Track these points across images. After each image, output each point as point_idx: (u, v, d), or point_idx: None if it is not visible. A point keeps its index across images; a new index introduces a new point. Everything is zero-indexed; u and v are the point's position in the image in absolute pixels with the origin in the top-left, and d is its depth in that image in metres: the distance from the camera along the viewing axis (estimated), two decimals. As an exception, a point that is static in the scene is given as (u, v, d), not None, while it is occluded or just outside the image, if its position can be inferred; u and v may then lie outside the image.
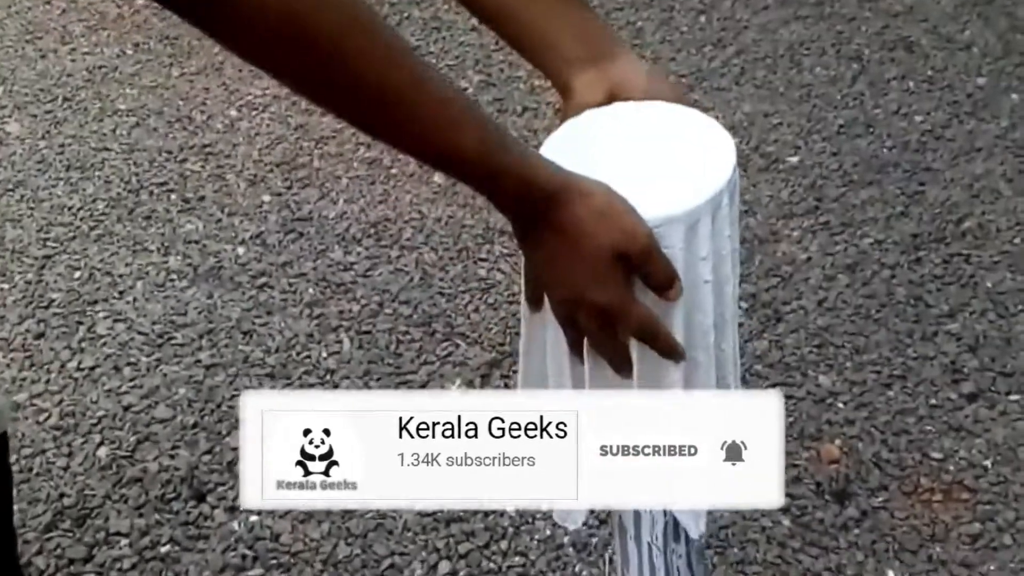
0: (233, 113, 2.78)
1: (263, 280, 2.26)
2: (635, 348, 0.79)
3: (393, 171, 2.54)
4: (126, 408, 1.97)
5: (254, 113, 2.77)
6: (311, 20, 0.64)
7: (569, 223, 0.75)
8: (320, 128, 2.69)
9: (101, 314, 2.20)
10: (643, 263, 0.76)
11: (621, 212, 0.76)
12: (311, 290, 2.22)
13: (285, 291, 2.22)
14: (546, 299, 0.82)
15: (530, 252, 0.80)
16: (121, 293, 2.25)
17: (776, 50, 2.86)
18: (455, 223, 2.38)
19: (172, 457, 1.86)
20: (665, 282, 0.78)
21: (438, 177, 2.50)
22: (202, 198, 2.50)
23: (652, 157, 0.81)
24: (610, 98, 0.86)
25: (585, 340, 0.81)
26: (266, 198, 2.49)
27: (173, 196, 2.51)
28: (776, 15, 3.00)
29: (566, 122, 0.85)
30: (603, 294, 0.77)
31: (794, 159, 2.49)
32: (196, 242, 2.37)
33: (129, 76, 2.96)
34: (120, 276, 2.29)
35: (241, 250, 2.34)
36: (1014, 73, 2.70)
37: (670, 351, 0.80)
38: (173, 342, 2.11)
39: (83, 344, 2.12)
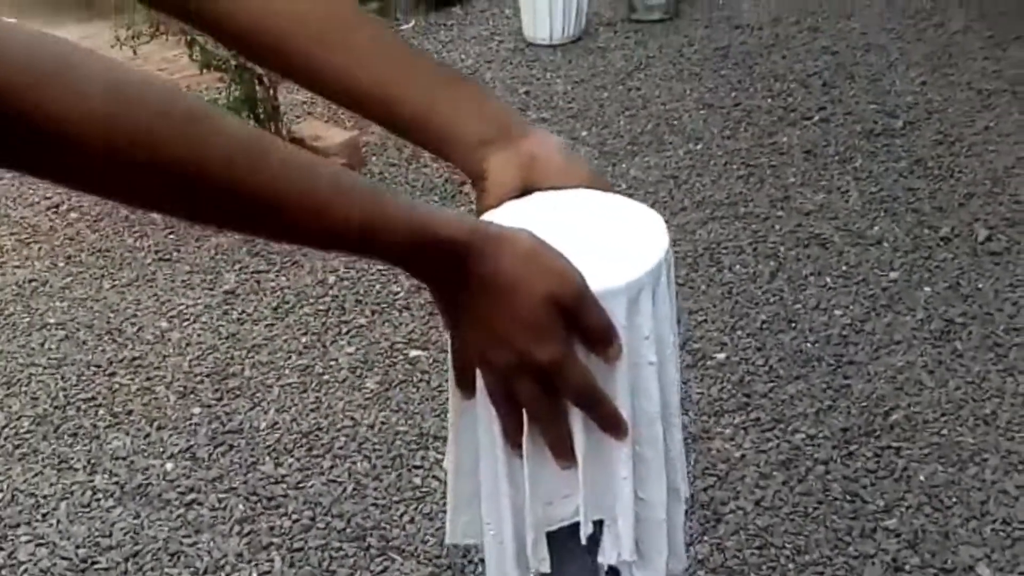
0: (164, 324, 2.78)
1: (192, 496, 2.20)
2: (579, 427, 0.75)
3: (325, 377, 2.54)
4: (45, 641, 1.87)
5: (185, 323, 2.77)
6: (143, 139, 0.57)
7: (496, 273, 0.70)
8: (252, 336, 2.69)
9: (23, 538, 2.12)
10: (578, 309, 0.71)
11: (549, 255, 0.71)
12: (241, 505, 2.17)
13: (215, 507, 2.17)
14: (479, 385, 0.76)
15: (459, 320, 0.74)
16: (44, 515, 2.17)
17: (696, 249, 2.96)
18: (388, 429, 2.36)
19: None
20: (603, 334, 0.72)
21: (370, 383, 2.50)
22: (130, 412, 2.46)
23: (584, 237, 0.77)
24: (527, 176, 0.81)
25: (525, 425, 0.74)
26: (196, 410, 2.46)
27: (101, 411, 2.47)
28: (694, 216, 3.12)
29: (486, 213, 0.80)
30: (545, 349, 0.71)
31: (721, 355, 2.54)
32: (123, 458, 2.32)
33: (59, 289, 2.96)
34: (44, 497, 2.22)
35: (170, 465, 2.29)
36: (924, 266, 2.82)
37: (614, 422, 0.74)
38: (97, 567, 2.03)
39: (3, 572, 2.03)
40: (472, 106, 0.83)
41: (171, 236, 3.15)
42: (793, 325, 2.63)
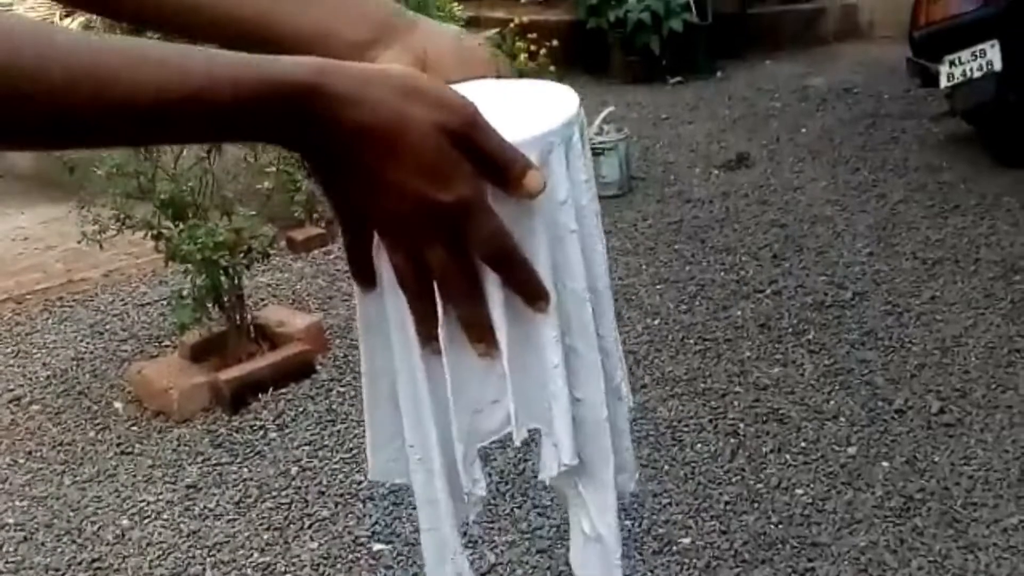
0: (124, 522, 2.75)
1: None
2: (498, 305, 0.67)
3: (289, 576, 2.51)
4: None
5: (146, 521, 2.74)
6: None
7: (374, 117, 0.60)
8: (213, 534, 2.67)
9: None
10: (476, 139, 0.62)
11: (428, 85, 0.62)
12: None
13: None
14: (383, 275, 0.67)
15: (344, 188, 0.63)
16: None
17: (658, 428, 3.00)
18: (354, 630, 2.33)
19: None
20: (510, 162, 0.63)
21: (335, 579, 2.48)
22: (89, 619, 2.41)
23: (492, 106, 0.67)
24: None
25: (439, 309, 0.66)
26: (157, 615, 2.41)
27: (58, 619, 2.42)
28: (654, 393, 3.17)
29: None
30: (448, 189, 0.61)
31: (686, 540, 2.55)
32: (80, 670, 2.26)
33: (19, 487, 2.93)
34: None
35: (128, 676, 2.24)
36: (880, 440, 2.87)
37: (534, 287, 0.66)
38: None
39: None
40: (347, 7, 0.76)
41: (133, 428, 3.15)
42: (756, 505, 2.65)
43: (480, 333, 0.67)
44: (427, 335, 0.68)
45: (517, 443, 0.70)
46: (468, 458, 0.71)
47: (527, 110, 0.73)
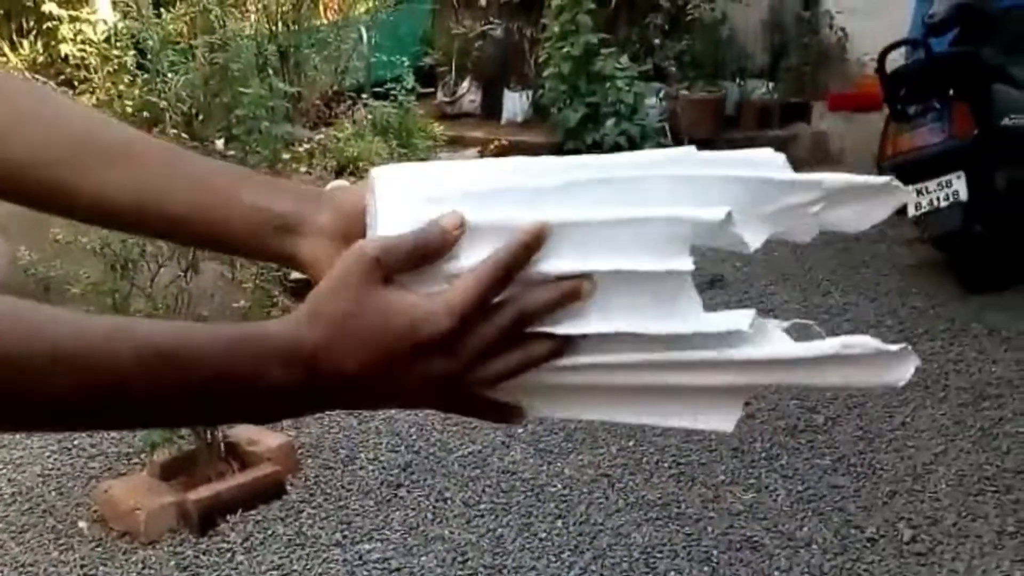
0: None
1: None
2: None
3: None
4: None
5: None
6: None
7: (333, 375, 0.66)
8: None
9: None
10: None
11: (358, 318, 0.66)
12: None
13: None
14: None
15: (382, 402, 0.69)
16: None
17: (631, 554, 2.97)
18: None
19: None
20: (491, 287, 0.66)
21: None
22: None
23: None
24: (346, 228, 0.77)
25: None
26: None
27: None
28: (628, 517, 3.15)
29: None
30: (443, 367, 0.66)
31: (658, 672, 2.51)
32: None
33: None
34: None
35: None
36: (852, 569, 2.85)
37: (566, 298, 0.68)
38: None
39: None
40: (277, 186, 0.80)
41: (98, 549, 3.09)
42: (728, 636, 2.62)
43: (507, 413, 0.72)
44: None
45: None
46: None
47: None
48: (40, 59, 7.22)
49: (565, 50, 6.59)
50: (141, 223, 0.81)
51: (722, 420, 0.75)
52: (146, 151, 0.80)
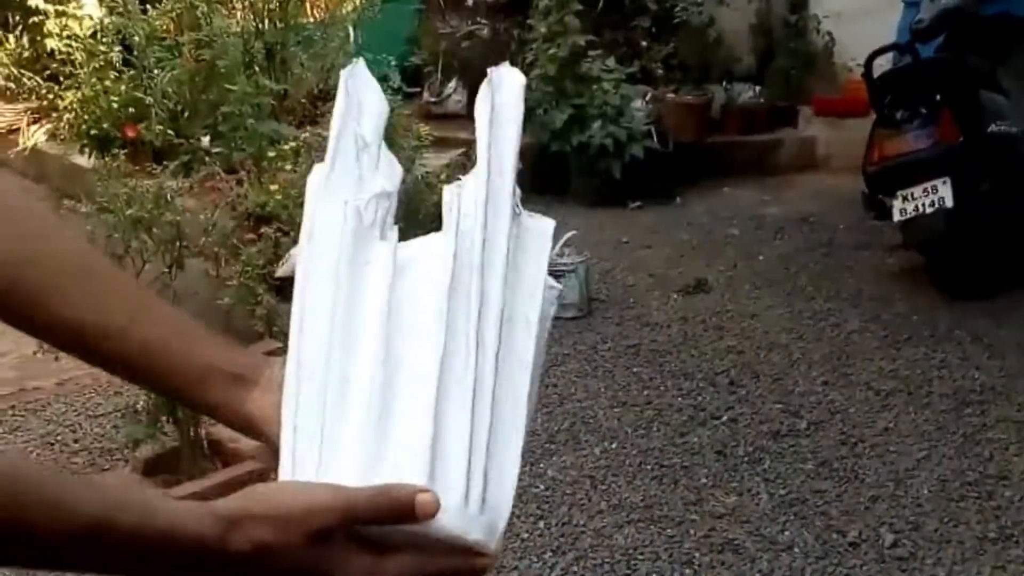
0: (63, 646, 2.66)
1: None
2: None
3: None
4: None
5: (86, 645, 2.65)
6: None
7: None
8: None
9: None
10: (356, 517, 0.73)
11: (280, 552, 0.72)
12: None
13: None
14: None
15: None
16: None
17: (613, 556, 2.97)
18: None
19: None
20: (395, 516, 0.73)
21: None
22: None
23: None
24: None
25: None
26: None
27: None
28: (610, 519, 3.15)
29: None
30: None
31: (639, 674, 2.51)
32: None
33: (-47, 606, 2.83)
34: None
35: None
36: (834, 574, 2.86)
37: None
38: None
39: None
40: (227, 350, 0.86)
41: None
42: (710, 639, 2.62)
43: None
44: None
45: None
46: None
47: None
48: (26, 54, 7.16)
49: (552, 52, 6.57)
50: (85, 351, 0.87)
51: None
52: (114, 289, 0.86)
